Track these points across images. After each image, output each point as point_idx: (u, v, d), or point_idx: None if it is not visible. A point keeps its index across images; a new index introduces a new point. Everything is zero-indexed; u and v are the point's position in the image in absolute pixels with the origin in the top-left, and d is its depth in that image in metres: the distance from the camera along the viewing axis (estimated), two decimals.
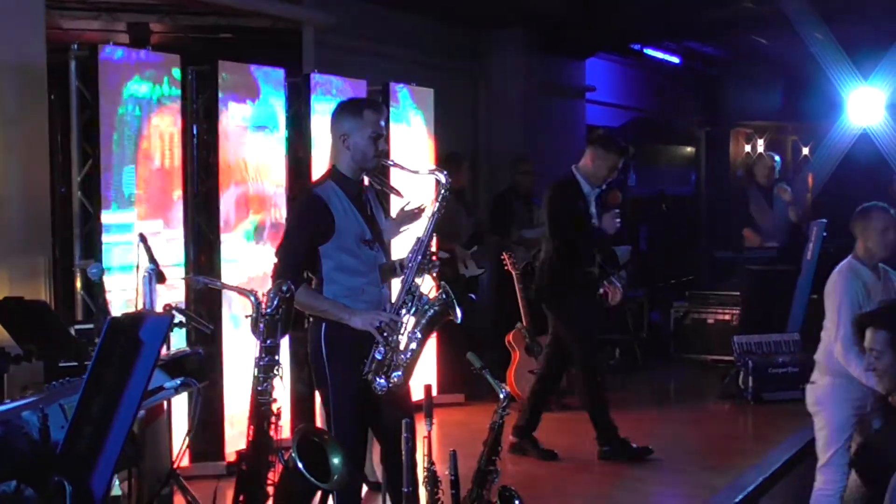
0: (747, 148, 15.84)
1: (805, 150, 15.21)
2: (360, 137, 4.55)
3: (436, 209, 4.63)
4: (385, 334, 4.44)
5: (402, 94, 8.26)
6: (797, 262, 9.35)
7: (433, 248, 4.69)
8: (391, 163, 4.82)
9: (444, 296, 4.55)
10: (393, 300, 4.63)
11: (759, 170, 10.20)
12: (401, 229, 4.96)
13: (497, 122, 11.29)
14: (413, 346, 4.51)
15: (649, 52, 13.64)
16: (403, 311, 4.53)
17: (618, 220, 7.01)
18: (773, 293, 9.54)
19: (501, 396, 4.50)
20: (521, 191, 9.76)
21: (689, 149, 16.47)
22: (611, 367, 10.12)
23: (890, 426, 4.49)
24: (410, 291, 4.54)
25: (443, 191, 4.63)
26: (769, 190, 10.00)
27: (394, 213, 5.06)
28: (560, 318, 7.17)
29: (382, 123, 4.64)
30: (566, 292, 7.05)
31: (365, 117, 4.56)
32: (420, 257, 4.55)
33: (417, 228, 4.79)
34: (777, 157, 10.40)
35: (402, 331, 4.51)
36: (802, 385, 8.66)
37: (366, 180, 4.73)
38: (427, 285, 4.65)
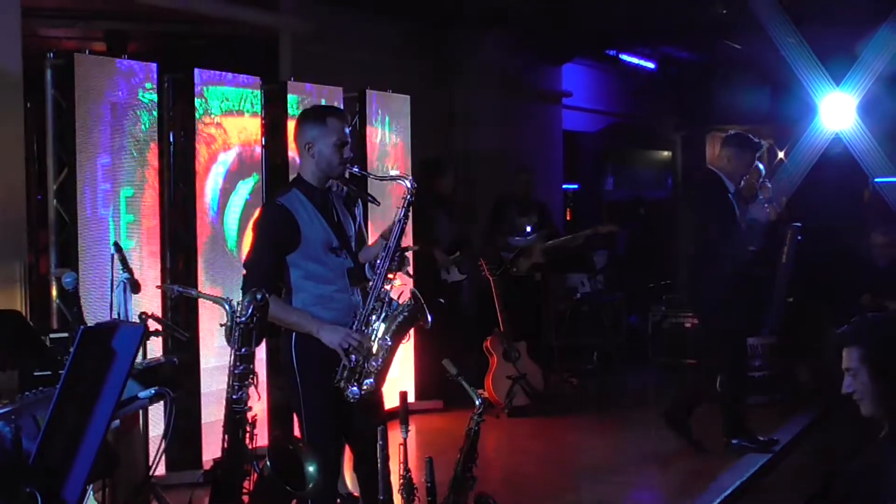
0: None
1: (780, 154, 15.28)
2: (325, 145, 4.55)
3: (401, 215, 4.62)
4: (352, 357, 4.45)
5: (379, 101, 8.27)
6: (773, 266, 9.40)
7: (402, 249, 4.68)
8: (356, 170, 4.81)
9: (413, 301, 4.58)
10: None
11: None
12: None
13: (473, 127, 11.30)
14: (384, 352, 4.52)
15: (625, 57, 13.69)
16: (374, 317, 4.54)
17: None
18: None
19: (477, 403, 4.51)
20: (518, 198, 9.80)
21: (665, 153, 16.54)
22: (588, 370, 10.17)
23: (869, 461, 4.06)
24: (380, 297, 4.55)
25: (408, 196, 4.64)
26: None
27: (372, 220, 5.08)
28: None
29: (347, 131, 4.64)
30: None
31: (329, 125, 4.56)
32: (388, 263, 4.56)
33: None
34: (761, 166, 10.45)
35: (372, 338, 4.52)
36: (778, 388, 8.83)
37: (335, 186, 4.73)
38: (396, 291, 4.67)
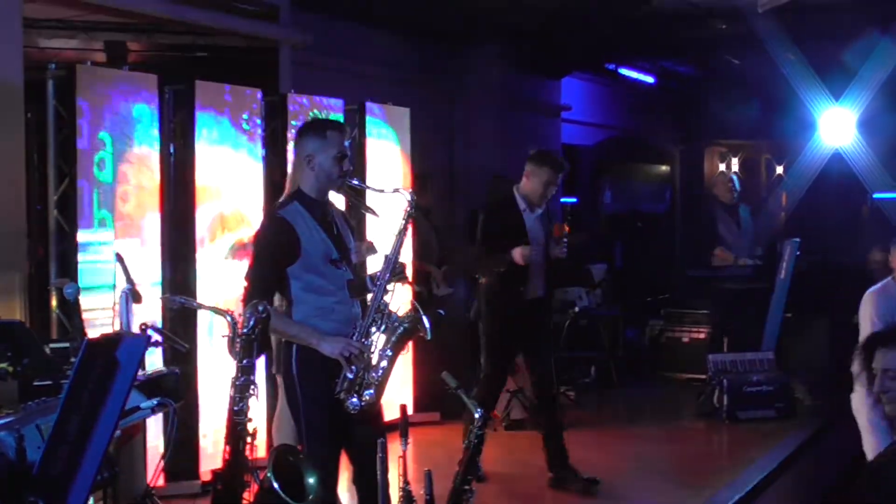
0: (721, 166, 15.95)
1: (779, 169, 15.33)
2: (325, 158, 4.57)
3: (402, 227, 4.66)
4: (353, 365, 4.47)
5: (379, 113, 8.29)
6: (771, 281, 9.42)
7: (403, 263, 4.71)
8: (356, 182, 4.83)
9: (413, 312, 4.59)
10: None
11: (720, 189, 10.26)
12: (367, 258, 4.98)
13: (473, 141, 11.33)
14: (384, 363, 4.54)
15: (624, 71, 13.73)
16: (373, 328, 4.56)
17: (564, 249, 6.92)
18: (747, 311, 9.60)
19: (477, 416, 4.52)
20: None
21: (663, 167, 16.57)
22: (586, 384, 10.17)
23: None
24: (380, 309, 4.57)
25: (409, 209, 4.66)
26: (735, 208, 10.05)
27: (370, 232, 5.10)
28: None
29: (347, 143, 4.66)
30: None
31: (329, 138, 4.59)
32: (388, 275, 4.58)
33: (385, 247, 4.82)
34: (734, 176, 10.49)
35: (372, 350, 4.53)
36: (776, 403, 8.84)
37: (331, 197, 4.75)
38: (396, 303, 4.68)
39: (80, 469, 2.88)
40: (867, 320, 5.84)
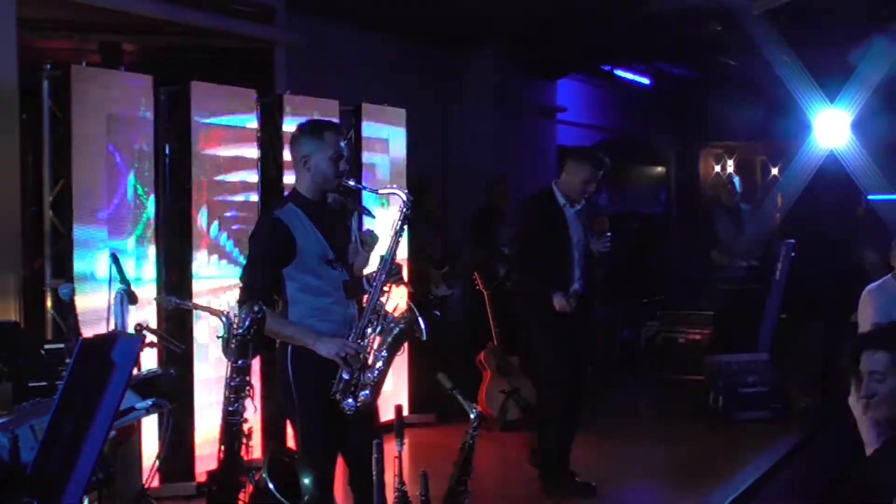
0: (717, 167, 15.96)
1: (774, 170, 15.34)
2: (321, 159, 4.57)
3: (397, 228, 4.66)
4: (349, 366, 4.46)
5: (375, 115, 8.29)
6: (767, 282, 9.42)
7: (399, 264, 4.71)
8: (352, 183, 4.83)
9: (409, 313, 4.59)
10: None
11: (720, 190, 10.28)
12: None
13: (469, 142, 11.33)
14: (380, 364, 4.55)
15: (620, 72, 13.73)
16: (369, 329, 4.56)
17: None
18: (743, 313, 9.60)
19: (472, 417, 4.51)
20: (498, 208, 9.83)
21: (659, 168, 16.57)
22: None
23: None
24: (376, 310, 4.57)
25: (404, 209, 4.66)
26: (736, 210, 10.06)
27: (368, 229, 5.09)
28: None
29: (343, 144, 4.66)
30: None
31: (326, 139, 4.58)
32: (385, 276, 4.58)
33: (381, 248, 4.81)
34: (736, 178, 10.50)
35: (368, 351, 4.53)
36: (772, 405, 8.84)
37: (329, 198, 4.75)
38: (392, 303, 4.68)
39: (74, 470, 2.88)
40: (867, 318, 5.85)
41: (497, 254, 9.49)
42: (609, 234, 6.83)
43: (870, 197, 11.71)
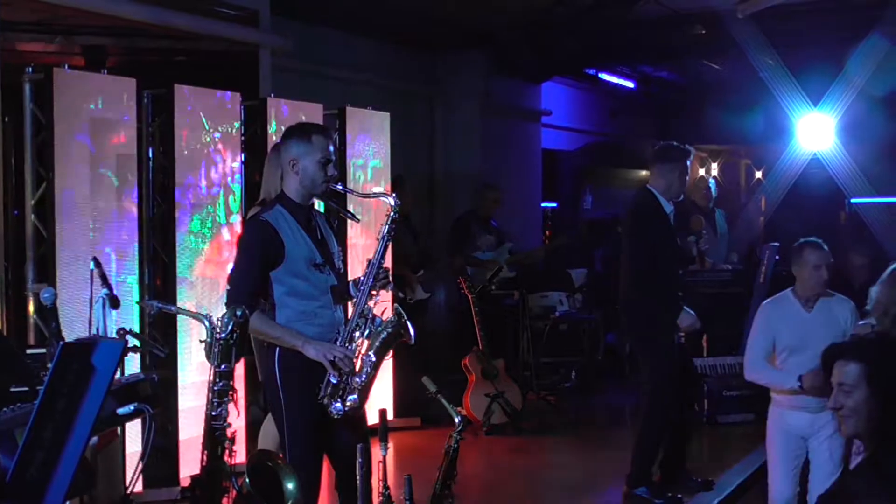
0: (701, 171, 16.00)
1: (758, 174, 15.39)
2: (310, 162, 4.57)
3: (385, 232, 4.66)
4: (338, 369, 4.46)
5: (359, 118, 8.27)
6: (749, 286, 9.43)
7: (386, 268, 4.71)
8: (340, 187, 4.83)
9: (396, 317, 4.58)
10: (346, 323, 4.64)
11: (696, 194, 10.29)
12: None
13: (453, 146, 11.34)
14: (368, 369, 4.54)
15: (604, 76, 13.76)
16: (357, 333, 4.55)
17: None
18: (726, 316, 9.60)
19: (456, 421, 4.50)
20: (482, 213, 9.82)
21: (644, 172, 16.57)
22: (567, 389, 10.17)
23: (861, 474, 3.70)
24: (363, 314, 4.57)
25: (392, 214, 4.66)
26: (710, 213, 10.07)
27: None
28: None
29: (331, 148, 4.65)
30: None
31: (314, 142, 4.58)
32: (372, 280, 4.58)
33: (368, 251, 4.81)
34: (711, 180, 10.51)
35: (356, 355, 4.52)
36: (756, 407, 8.84)
37: (317, 204, 4.74)
38: (380, 307, 4.68)
39: (55, 475, 2.85)
40: (752, 331, 5.77)
41: (473, 260, 9.50)
42: (705, 231, 6.62)
43: (853, 200, 11.77)
